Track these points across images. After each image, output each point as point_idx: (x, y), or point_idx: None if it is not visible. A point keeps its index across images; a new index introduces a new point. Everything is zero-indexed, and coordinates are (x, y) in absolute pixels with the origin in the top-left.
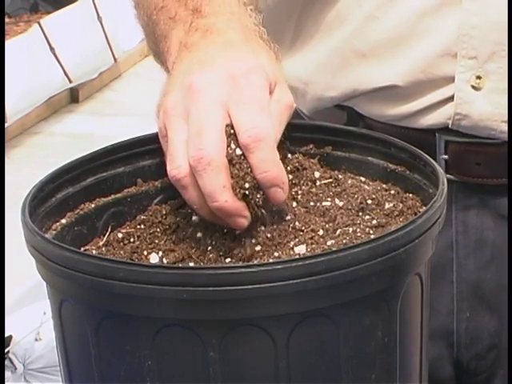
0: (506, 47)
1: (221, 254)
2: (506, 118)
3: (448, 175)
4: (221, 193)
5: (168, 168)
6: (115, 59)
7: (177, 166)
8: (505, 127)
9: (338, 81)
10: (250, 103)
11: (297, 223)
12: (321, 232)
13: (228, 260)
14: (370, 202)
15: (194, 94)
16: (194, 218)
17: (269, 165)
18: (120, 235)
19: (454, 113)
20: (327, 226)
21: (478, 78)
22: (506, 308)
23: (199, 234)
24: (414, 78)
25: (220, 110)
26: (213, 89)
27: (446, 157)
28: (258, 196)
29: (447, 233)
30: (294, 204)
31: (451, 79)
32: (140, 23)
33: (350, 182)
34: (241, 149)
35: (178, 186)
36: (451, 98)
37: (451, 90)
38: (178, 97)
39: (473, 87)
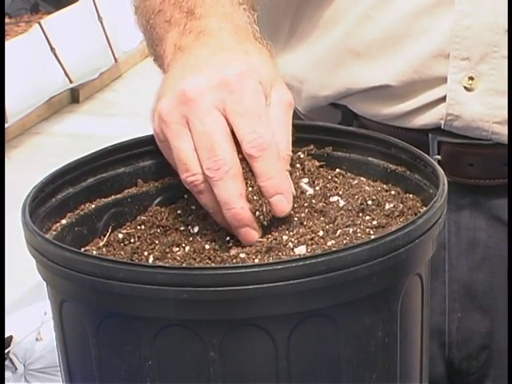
0: (498, 48)
1: (221, 254)
2: (498, 119)
3: None
4: (238, 200)
5: (183, 176)
6: (116, 59)
7: (193, 174)
8: (497, 128)
9: (332, 79)
10: (248, 112)
11: (295, 223)
12: (321, 233)
13: (228, 260)
14: (370, 202)
15: (189, 102)
16: (189, 218)
17: (272, 172)
18: (120, 236)
19: (446, 113)
20: (327, 226)
21: (471, 78)
22: (498, 309)
23: (199, 235)
24: (407, 78)
25: (221, 117)
26: (207, 95)
27: (439, 157)
28: (265, 206)
29: (440, 233)
30: (295, 205)
31: (444, 80)
32: (140, 29)
33: (349, 182)
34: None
35: (195, 192)
36: (444, 99)
37: (444, 90)
38: (171, 103)
39: (465, 88)
